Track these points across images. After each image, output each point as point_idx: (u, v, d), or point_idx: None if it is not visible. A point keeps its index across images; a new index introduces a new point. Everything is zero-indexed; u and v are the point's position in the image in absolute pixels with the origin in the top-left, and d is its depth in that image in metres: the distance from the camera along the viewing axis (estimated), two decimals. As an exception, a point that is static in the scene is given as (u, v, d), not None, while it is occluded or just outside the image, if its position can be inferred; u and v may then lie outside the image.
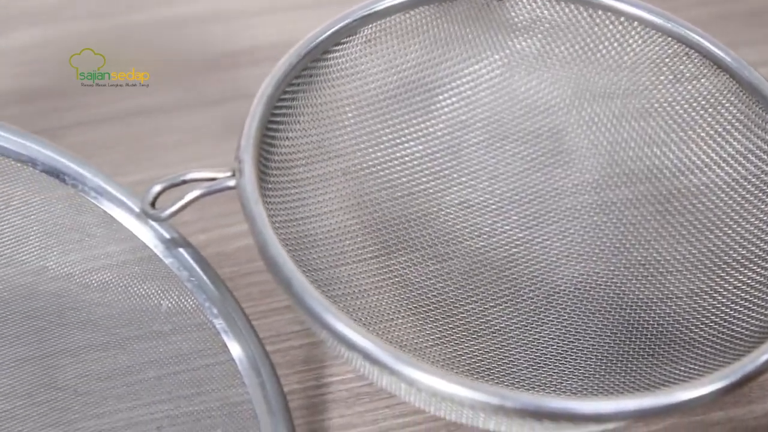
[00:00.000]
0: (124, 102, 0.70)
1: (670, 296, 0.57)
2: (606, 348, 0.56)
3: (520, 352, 0.55)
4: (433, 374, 0.46)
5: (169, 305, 0.54)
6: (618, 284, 0.58)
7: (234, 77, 0.72)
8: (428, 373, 0.46)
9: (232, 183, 0.52)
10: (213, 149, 0.67)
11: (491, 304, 0.57)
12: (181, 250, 0.55)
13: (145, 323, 0.55)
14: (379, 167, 0.60)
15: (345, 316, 0.47)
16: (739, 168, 0.57)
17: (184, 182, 0.53)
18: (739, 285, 0.55)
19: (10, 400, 0.53)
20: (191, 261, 0.55)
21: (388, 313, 0.56)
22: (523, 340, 0.56)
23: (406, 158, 0.60)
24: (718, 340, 0.54)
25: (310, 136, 0.57)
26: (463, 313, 0.57)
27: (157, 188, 0.53)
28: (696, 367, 0.53)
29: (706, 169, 0.59)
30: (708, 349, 0.54)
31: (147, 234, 0.55)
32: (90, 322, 0.55)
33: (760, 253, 0.55)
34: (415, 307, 0.57)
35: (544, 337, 0.56)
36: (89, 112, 0.70)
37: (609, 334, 0.56)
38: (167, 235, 0.55)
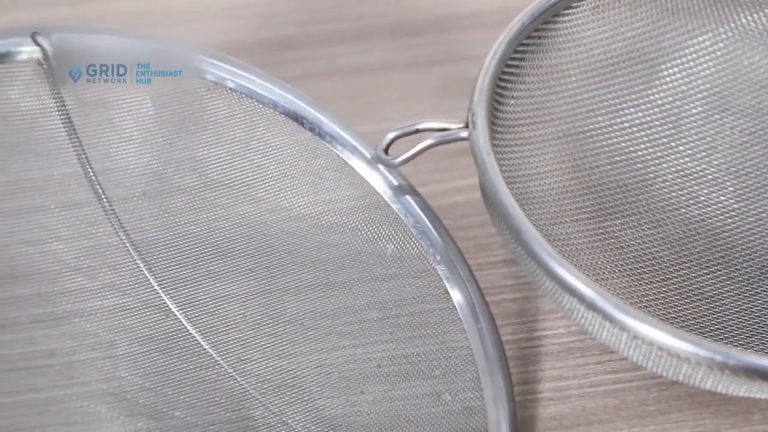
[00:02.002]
0: (344, 59, 0.73)
1: None
2: (821, 323, 0.56)
3: (733, 319, 0.56)
4: (658, 328, 0.47)
5: (394, 250, 0.56)
6: (836, 261, 0.58)
7: (450, 40, 0.74)
8: (653, 326, 0.47)
9: (464, 134, 0.54)
10: (431, 107, 0.69)
11: (705, 271, 0.58)
12: (408, 197, 0.57)
13: (370, 266, 0.57)
14: (598, 132, 0.61)
15: (573, 267, 0.48)
16: None
17: (417, 131, 0.55)
18: None
19: (242, 331, 0.56)
20: (417, 208, 0.56)
21: (603, 273, 0.57)
22: (737, 308, 0.56)
23: (626, 125, 0.61)
24: None
25: (534, 97, 0.59)
26: (676, 277, 0.57)
27: (392, 135, 0.55)
28: None
29: None
30: None
31: (377, 180, 0.57)
32: (318, 261, 0.57)
33: None
34: (630, 268, 0.58)
35: (758, 307, 0.56)
36: (313, 67, 0.72)
37: (825, 309, 0.56)
38: (396, 182, 0.57)
